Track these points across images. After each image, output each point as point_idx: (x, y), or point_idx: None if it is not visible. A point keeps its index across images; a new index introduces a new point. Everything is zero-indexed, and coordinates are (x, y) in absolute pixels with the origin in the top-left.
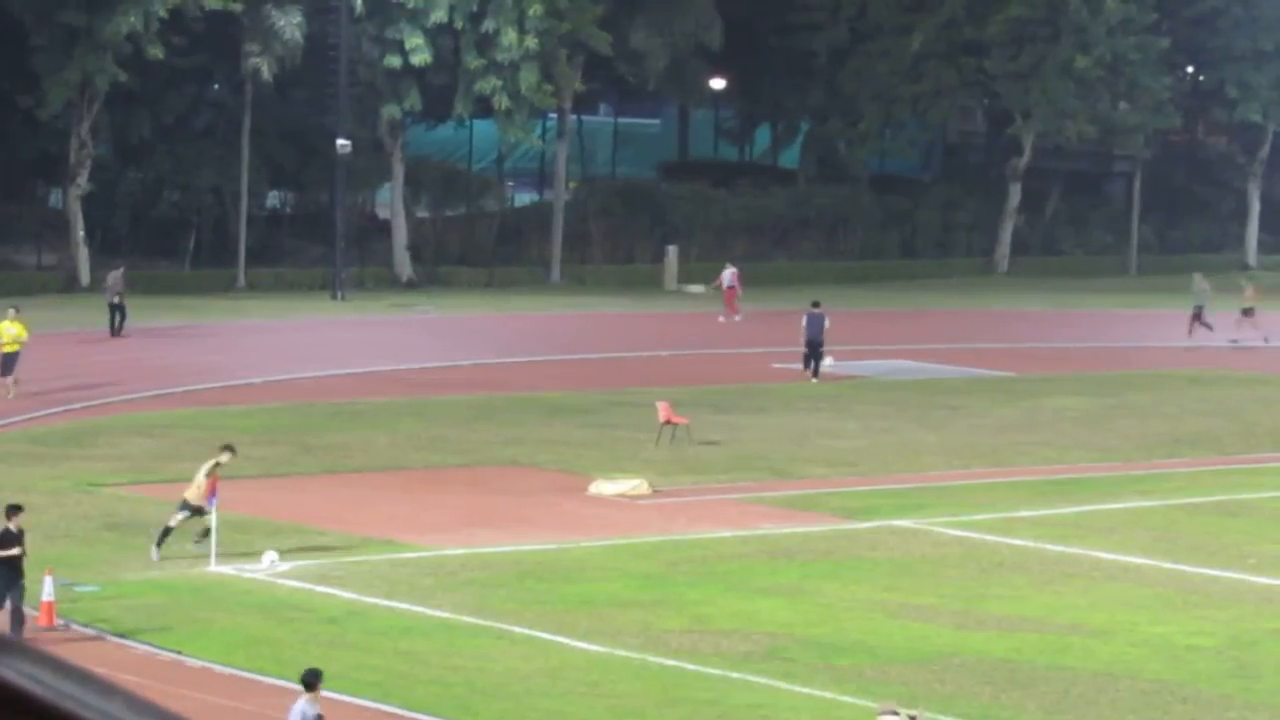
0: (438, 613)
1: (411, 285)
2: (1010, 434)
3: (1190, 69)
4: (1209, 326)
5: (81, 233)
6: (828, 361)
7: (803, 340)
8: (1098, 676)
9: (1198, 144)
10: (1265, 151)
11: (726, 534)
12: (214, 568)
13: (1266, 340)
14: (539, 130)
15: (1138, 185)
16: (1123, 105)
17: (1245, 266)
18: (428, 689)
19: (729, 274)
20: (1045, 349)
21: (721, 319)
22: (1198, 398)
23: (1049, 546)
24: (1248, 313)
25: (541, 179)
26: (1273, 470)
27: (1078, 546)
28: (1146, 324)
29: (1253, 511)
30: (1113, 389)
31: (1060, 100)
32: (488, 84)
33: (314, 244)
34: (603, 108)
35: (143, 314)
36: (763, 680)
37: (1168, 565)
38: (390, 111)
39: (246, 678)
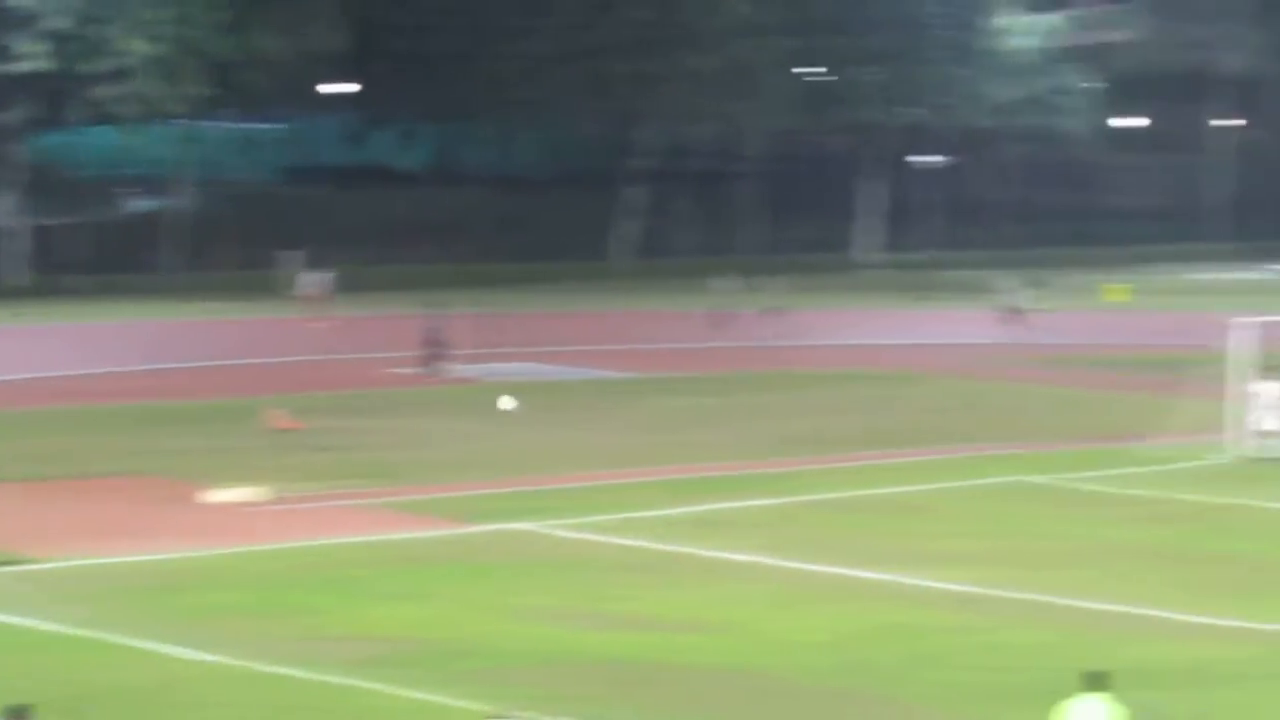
0: (49, 626)
1: (30, 293)
2: (632, 435)
3: (810, 69)
4: (727, 325)
5: None
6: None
7: (424, 342)
8: (714, 673)
9: (817, 143)
10: (882, 151)
11: (346, 540)
12: None
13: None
14: (161, 136)
15: (758, 184)
16: (744, 106)
17: (861, 264)
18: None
19: (314, 279)
20: (668, 350)
21: (315, 324)
22: (822, 396)
23: (668, 546)
24: (771, 311)
25: (163, 185)
26: (891, 468)
27: (696, 545)
28: (772, 322)
29: (870, 507)
30: (742, 388)
31: (680, 102)
32: (108, 90)
33: None
34: (226, 113)
35: None
36: (380, 686)
37: (784, 563)
38: (5, 118)
39: None
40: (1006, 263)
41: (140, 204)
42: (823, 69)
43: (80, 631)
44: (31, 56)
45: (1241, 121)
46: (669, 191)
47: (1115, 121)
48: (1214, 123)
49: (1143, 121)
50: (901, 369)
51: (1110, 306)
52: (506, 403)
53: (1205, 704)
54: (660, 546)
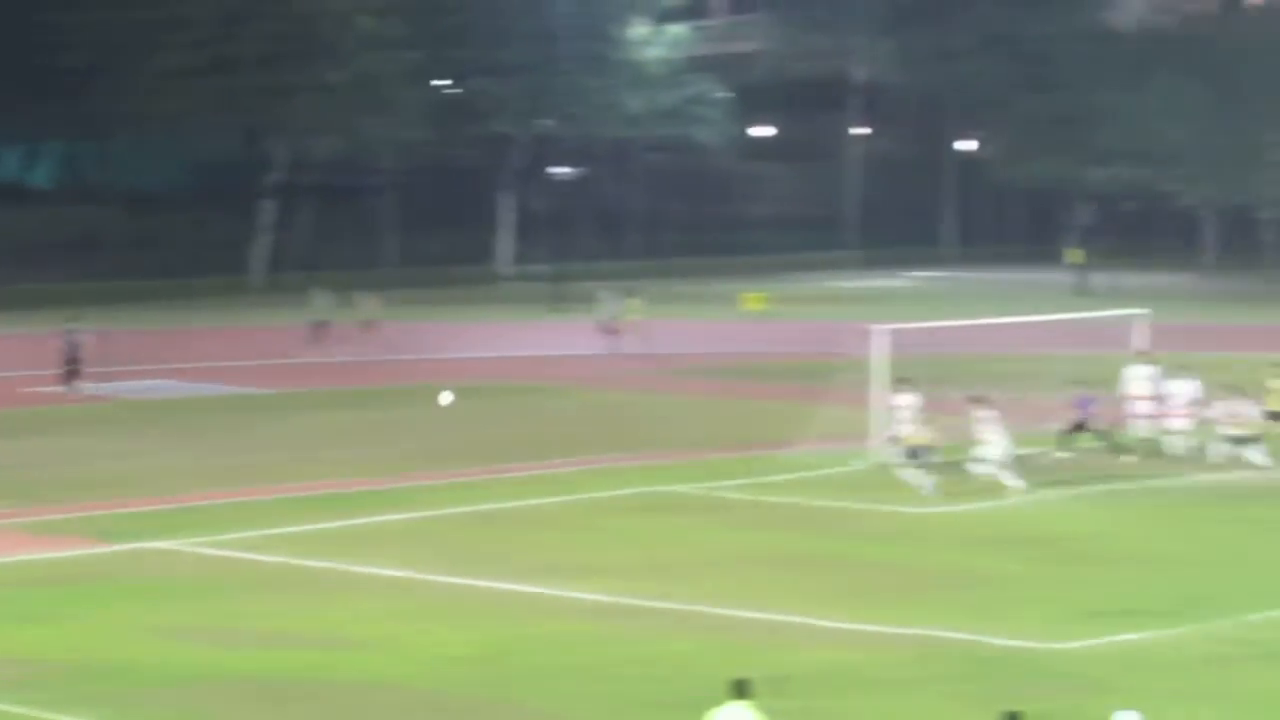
0: None
1: None
2: (271, 451)
3: (441, 82)
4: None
5: None
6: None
7: (63, 360)
8: (360, 688)
9: (449, 156)
10: (515, 162)
11: None
12: None
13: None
14: None
15: (392, 198)
16: (377, 120)
17: (499, 277)
18: None
19: None
20: (301, 366)
21: None
22: (454, 409)
23: (311, 562)
24: (367, 325)
25: None
26: (531, 480)
27: (339, 561)
28: (402, 337)
29: (510, 520)
30: (371, 403)
31: (312, 116)
32: None
33: None
34: None
35: None
36: (16, 709)
37: (429, 576)
38: None
39: None
40: (644, 273)
41: None
42: (451, 81)
43: None
44: None
45: (868, 130)
46: (304, 206)
47: (751, 131)
48: (850, 131)
49: (777, 131)
50: (538, 381)
51: (748, 316)
52: (446, 398)
53: (848, 709)
54: (303, 563)
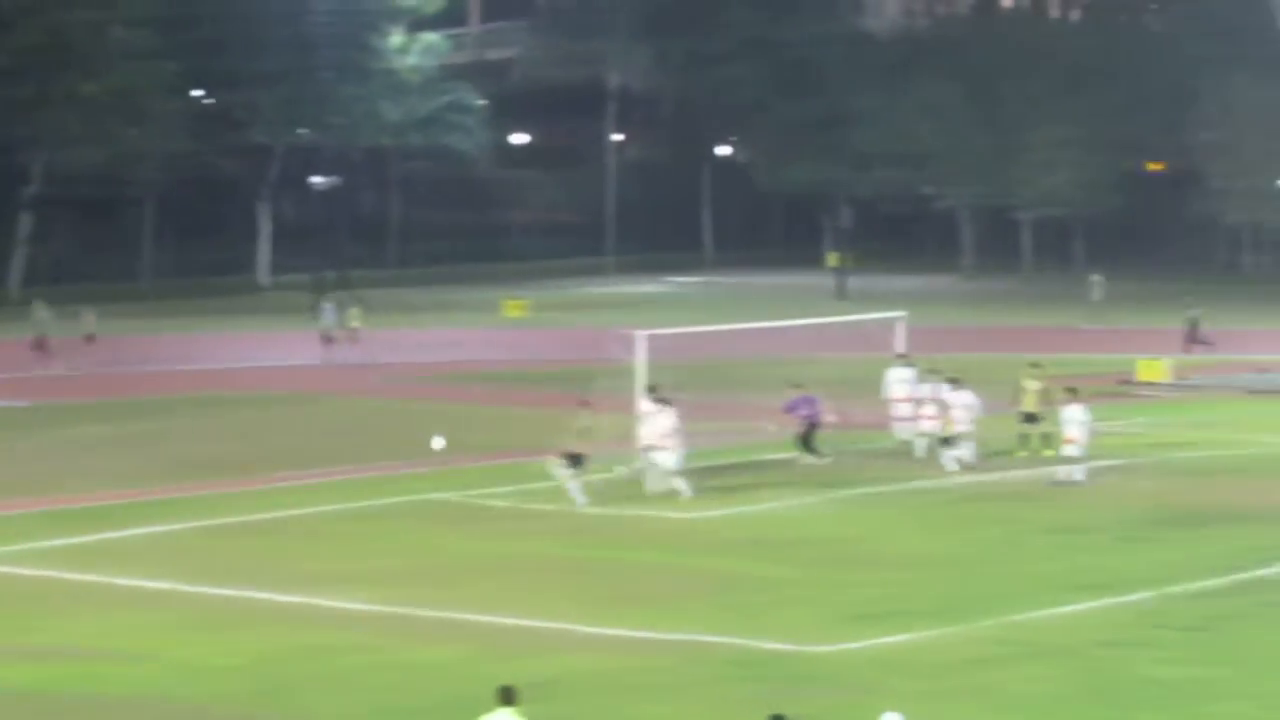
0: None
1: None
2: (28, 465)
3: (199, 92)
4: (48, 353)
5: None
6: None
7: None
8: (129, 701)
9: (208, 166)
10: (274, 172)
11: None
12: None
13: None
14: None
15: (151, 210)
16: (133, 131)
17: (259, 287)
18: None
19: None
20: (61, 379)
21: None
22: (217, 420)
23: (74, 575)
24: (88, 339)
25: None
26: (293, 490)
27: (103, 574)
28: (163, 348)
29: (278, 530)
30: (132, 415)
31: (67, 128)
32: None
33: None
34: None
35: None
36: None
37: (195, 588)
38: None
39: None
40: (404, 281)
41: None
42: (208, 92)
43: None
44: None
45: (626, 136)
46: (62, 218)
47: (512, 137)
48: (608, 137)
49: (537, 137)
50: (299, 390)
51: (509, 323)
52: (438, 443)
53: (614, 715)
54: (67, 576)
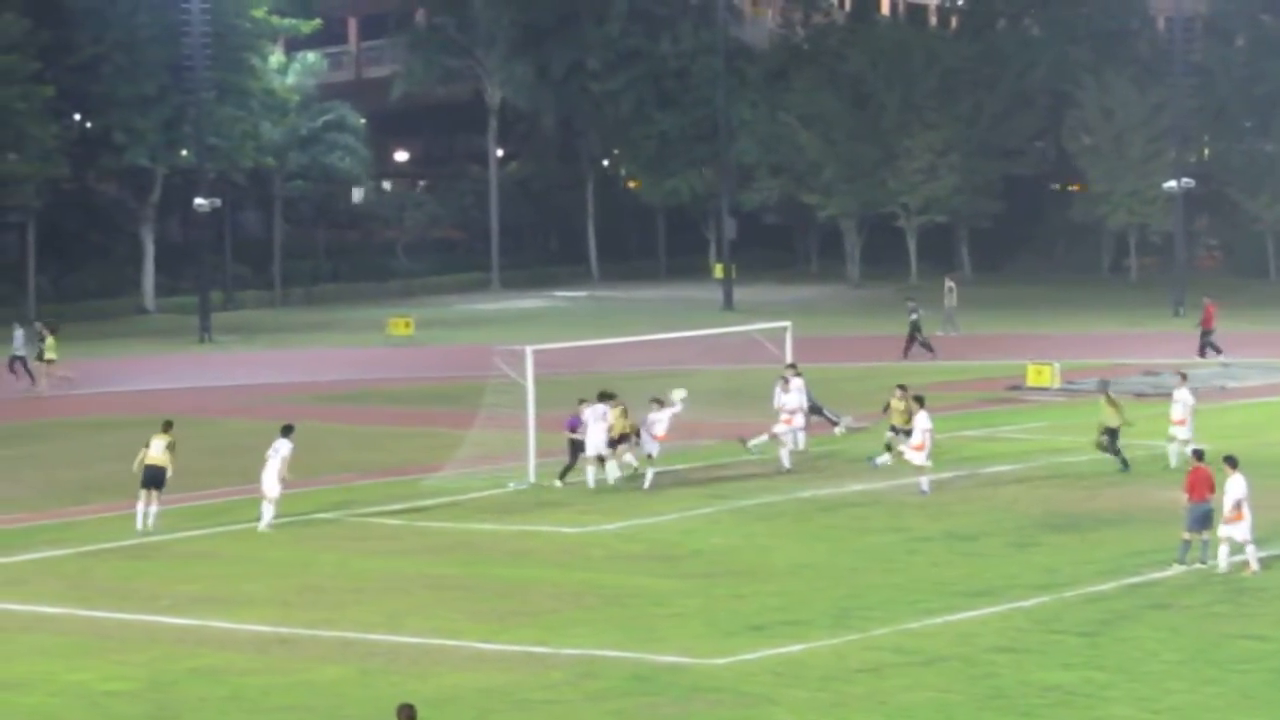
0: None
1: None
2: None
3: (77, 116)
4: None
5: None
6: None
7: None
8: None
9: (89, 190)
10: (156, 195)
11: None
12: None
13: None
14: None
15: (31, 235)
16: (11, 156)
17: (144, 310)
18: None
19: None
20: None
21: None
22: (103, 444)
23: None
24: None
25: None
26: (177, 512)
27: None
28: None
29: (162, 553)
30: (16, 440)
31: None
32: None
33: None
34: None
35: None
36: None
37: (82, 612)
38: None
39: None
40: (290, 301)
41: None
42: (85, 115)
43: None
44: None
45: (506, 152)
46: None
47: (393, 156)
48: (491, 153)
49: (419, 155)
50: (186, 413)
51: (394, 341)
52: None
53: None
54: None
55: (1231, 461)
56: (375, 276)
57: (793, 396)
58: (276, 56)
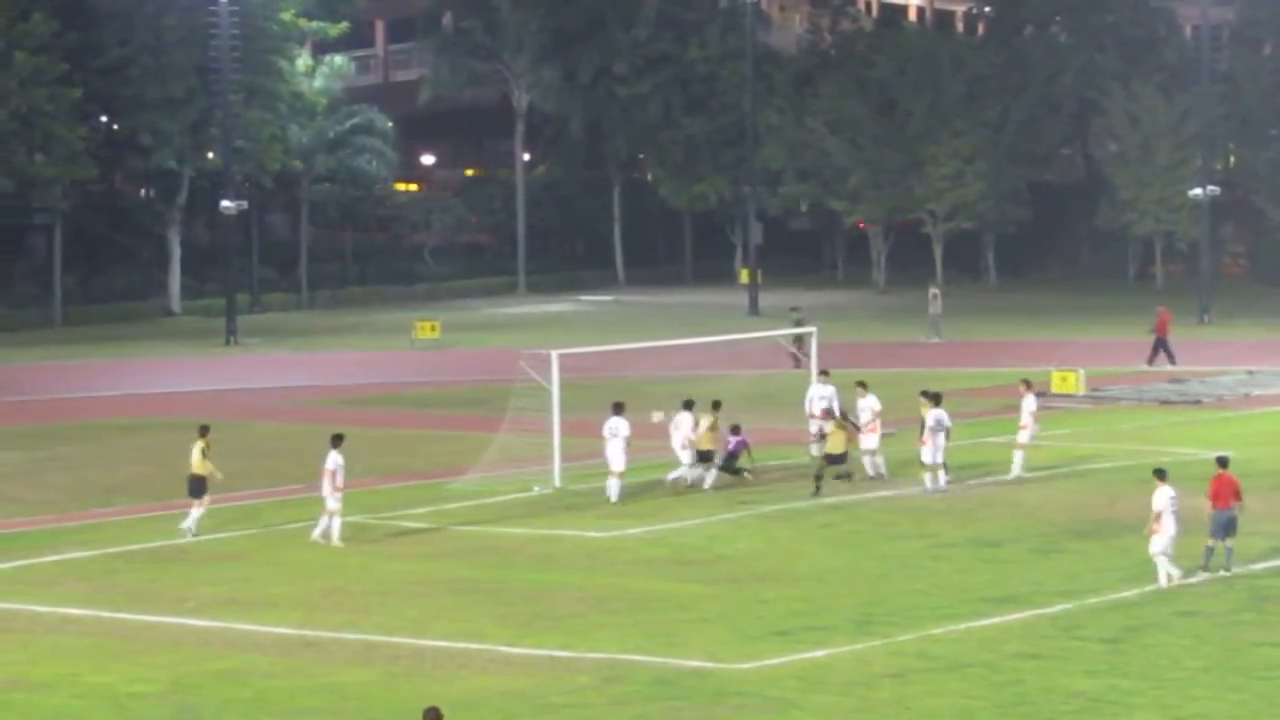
0: None
1: None
2: None
3: (104, 118)
4: None
5: None
6: None
7: None
8: None
9: (116, 193)
10: (183, 197)
11: None
12: None
13: None
14: None
15: (58, 236)
16: (39, 158)
17: (170, 312)
18: None
19: None
20: None
21: None
22: (129, 446)
23: None
24: None
25: None
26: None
27: (13, 601)
28: (73, 374)
29: (188, 556)
30: (43, 442)
31: None
32: None
33: None
34: None
35: None
36: None
37: (107, 614)
38: None
39: None
40: (317, 304)
41: None
42: (112, 117)
43: None
44: None
45: (534, 156)
46: None
47: (420, 159)
48: (517, 157)
49: (446, 158)
50: (215, 416)
51: (421, 345)
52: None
53: None
54: None
55: (1160, 474)
56: (402, 280)
57: (869, 402)
58: (304, 59)
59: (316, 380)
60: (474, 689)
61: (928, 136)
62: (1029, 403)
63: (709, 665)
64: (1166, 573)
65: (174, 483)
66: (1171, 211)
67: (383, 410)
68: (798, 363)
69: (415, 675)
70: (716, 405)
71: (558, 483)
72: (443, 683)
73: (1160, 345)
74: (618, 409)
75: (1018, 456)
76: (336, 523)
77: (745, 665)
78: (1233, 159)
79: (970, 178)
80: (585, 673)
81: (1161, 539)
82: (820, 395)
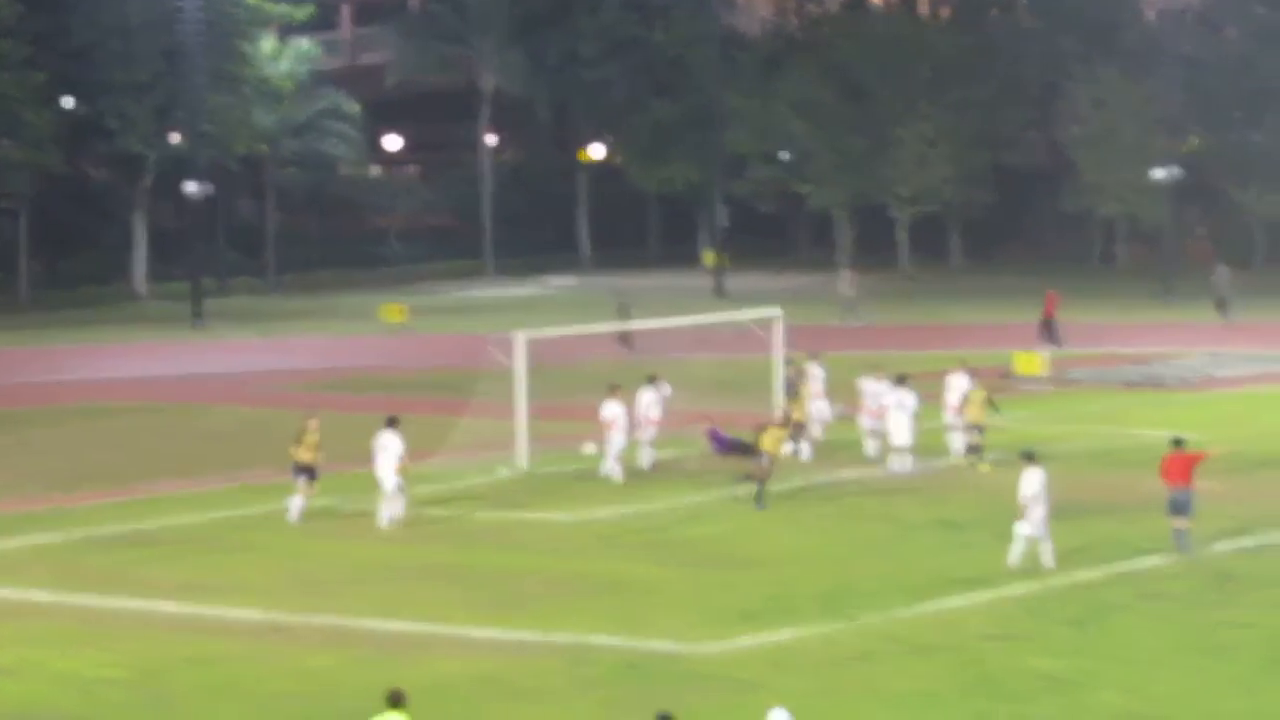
0: None
1: None
2: None
3: (70, 102)
4: None
5: None
6: None
7: None
8: (11, 716)
9: (82, 176)
10: (149, 181)
11: None
12: None
13: None
14: None
15: (23, 221)
16: (4, 142)
17: (136, 296)
18: None
19: None
20: None
21: None
22: (95, 430)
23: None
24: None
25: None
26: (173, 499)
27: None
28: (39, 359)
29: (155, 540)
30: (8, 426)
31: None
32: None
33: None
34: None
35: None
36: None
37: (73, 599)
38: None
39: None
40: (283, 288)
41: None
42: (77, 101)
43: None
44: None
45: (500, 139)
46: None
47: (385, 143)
48: (483, 140)
49: (412, 141)
50: (180, 400)
51: (388, 329)
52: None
53: (503, 718)
54: None
55: (1029, 456)
56: (368, 264)
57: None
58: (270, 43)
59: (283, 364)
60: (441, 673)
61: (893, 120)
62: (960, 382)
63: (676, 648)
64: (1021, 552)
65: (141, 467)
66: (1135, 194)
67: (349, 394)
68: (624, 344)
69: (382, 659)
70: (614, 389)
71: (524, 465)
72: (410, 667)
73: (1046, 327)
74: (614, 391)
75: (955, 439)
76: (390, 503)
77: (713, 647)
78: (1196, 140)
79: (935, 161)
80: (552, 656)
81: (1031, 522)
82: (815, 375)
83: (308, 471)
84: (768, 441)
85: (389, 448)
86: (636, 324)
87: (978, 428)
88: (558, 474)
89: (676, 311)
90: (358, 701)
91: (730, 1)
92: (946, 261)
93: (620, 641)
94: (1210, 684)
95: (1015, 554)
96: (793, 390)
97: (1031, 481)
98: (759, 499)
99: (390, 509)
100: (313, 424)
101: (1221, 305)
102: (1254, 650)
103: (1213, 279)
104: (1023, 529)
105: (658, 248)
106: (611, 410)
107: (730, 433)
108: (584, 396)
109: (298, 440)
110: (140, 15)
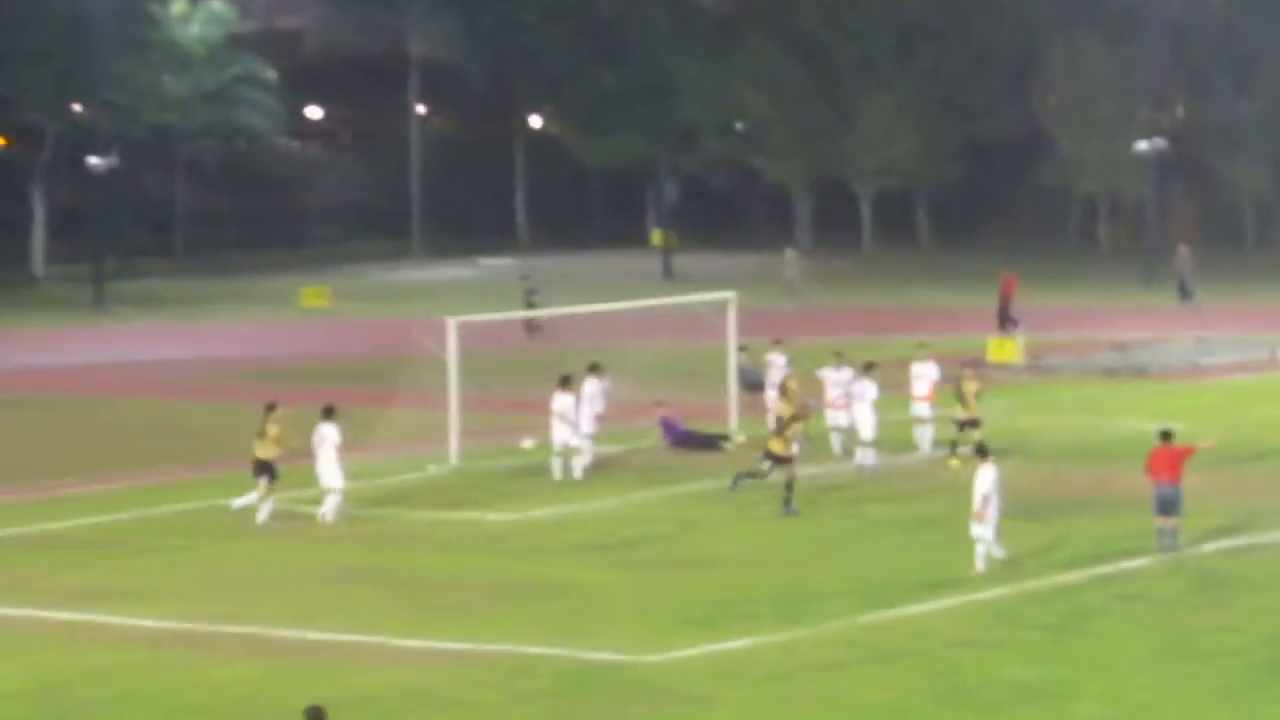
0: None
1: None
2: None
3: None
4: None
5: None
6: None
7: None
8: None
9: None
10: (48, 154)
11: None
12: None
13: None
14: None
15: None
16: None
17: (33, 278)
18: None
19: None
20: None
21: None
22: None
23: None
24: None
25: None
26: (79, 499)
27: None
28: None
29: (55, 543)
30: None
31: None
32: None
33: None
34: None
35: None
36: None
37: None
38: None
39: None
40: (194, 269)
41: None
42: None
43: None
44: None
45: (431, 109)
46: None
47: (306, 113)
48: (412, 111)
49: (334, 112)
50: (80, 392)
51: (308, 313)
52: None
53: None
54: None
55: (982, 451)
56: (288, 243)
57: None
58: (180, 4)
59: (195, 352)
60: (365, 686)
61: (855, 89)
62: (928, 370)
63: (620, 658)
64: (985, 555)
65: (41, 465)
66: (1116, 168)
67: (267, 385)
68: (531, 331)
69: (301, 671)
70: (565, 380)
71: (455, 461)
72: (331, 680)
73: (1003, 313)
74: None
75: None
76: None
77: (659, 657)
78: (1181, 111)
79: (901, 133)
80: (487, 667)
81: (985, 523)
82: (776, 364)
83: (267, 470)
84: (778, 445)
85: (328, 439)
86: (564, 310)
87: (973, 422)
88: (493, 470)
89: (621, 296)
90: (274, 717)
91: None
92: (914, 240)
93: (561, 651)
94: (1194, 693)
95: (980, 558)
96: (782, 389)
97: (984, 480)
98: (787, 504)
99: (333, 502)
100: (274, 414)
101: (1183, 290)
102: (1240, 657)
103: (1177, 262)
104: (980, 531)
105: (602, 227)
106: (562, 402)
107: (687, 424)
108: (522, 387)
109: (259, 434)
110: None
